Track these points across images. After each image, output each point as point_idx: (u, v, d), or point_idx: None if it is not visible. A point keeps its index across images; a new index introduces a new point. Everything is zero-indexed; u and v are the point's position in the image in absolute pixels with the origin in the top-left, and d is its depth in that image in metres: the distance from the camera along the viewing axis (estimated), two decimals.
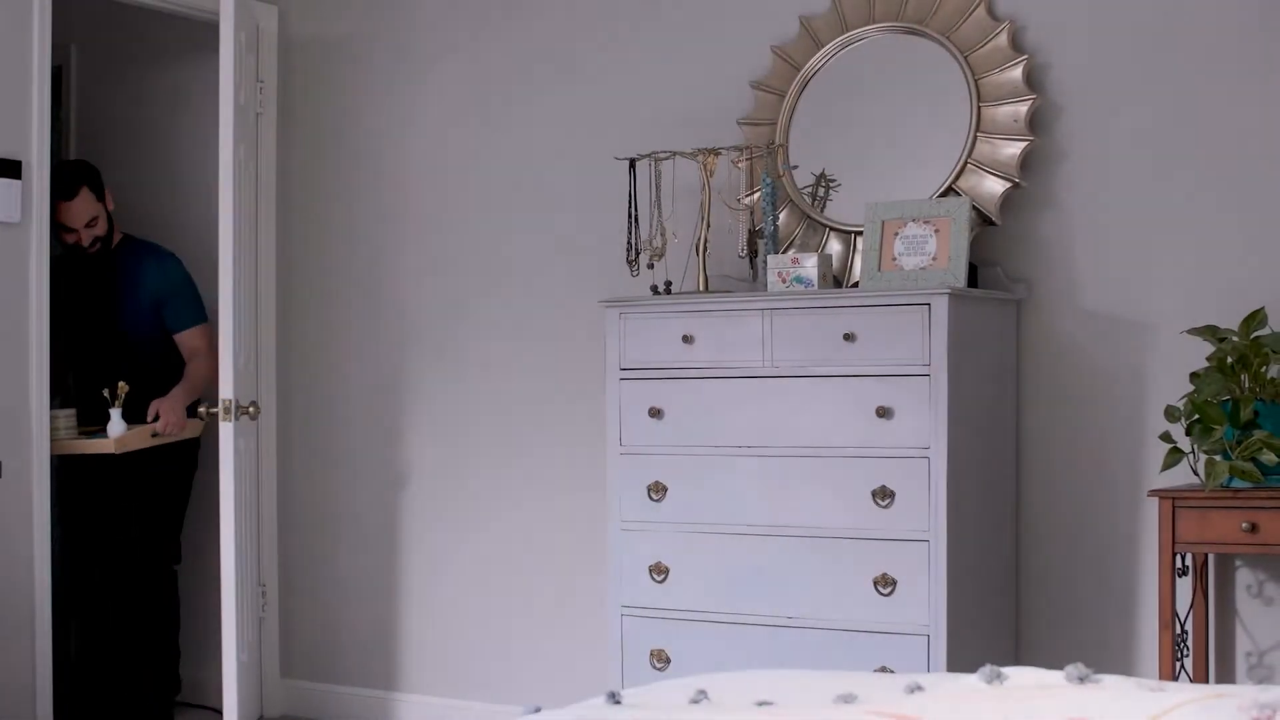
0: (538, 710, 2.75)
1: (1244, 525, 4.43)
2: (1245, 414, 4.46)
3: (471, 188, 6.22)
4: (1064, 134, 5.12)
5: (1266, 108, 4.87)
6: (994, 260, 5.15)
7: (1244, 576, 4.89)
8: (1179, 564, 4.69)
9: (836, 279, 5.19)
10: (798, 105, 5.43)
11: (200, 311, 6.29)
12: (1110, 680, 2.53)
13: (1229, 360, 4.52)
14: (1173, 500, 4.53)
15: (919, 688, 2.62)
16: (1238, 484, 4.46)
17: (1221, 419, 4.46)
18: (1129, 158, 5.04)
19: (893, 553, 4.71)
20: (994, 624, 5.01)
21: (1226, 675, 4.84)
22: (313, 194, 6.61)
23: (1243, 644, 4.89)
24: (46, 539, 5.70)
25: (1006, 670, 2.61)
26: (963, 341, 4.74)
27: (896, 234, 4.98)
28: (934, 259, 4.91)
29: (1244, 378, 4.52)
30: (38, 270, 5.66)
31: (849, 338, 4.76)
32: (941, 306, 4.65)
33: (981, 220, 5.07)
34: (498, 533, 6.16)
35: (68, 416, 5.96)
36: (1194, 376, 4.58)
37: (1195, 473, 4.60)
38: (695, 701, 2.71)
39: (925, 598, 4.66)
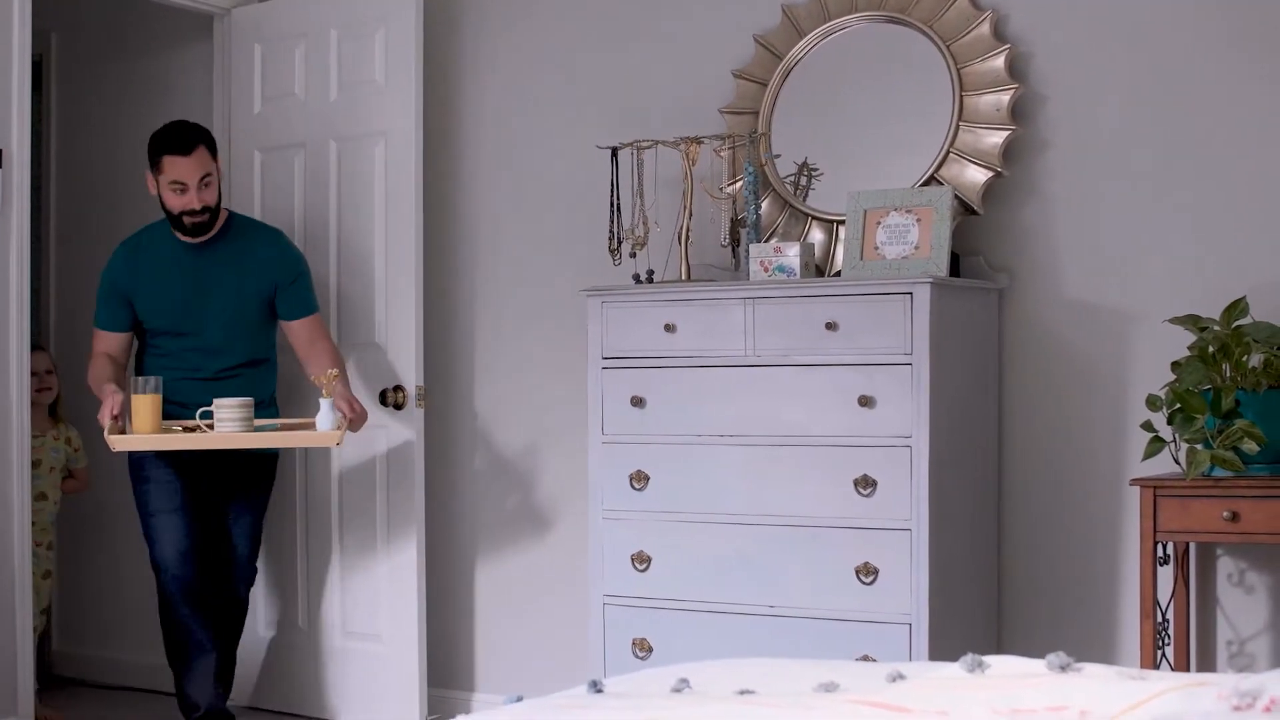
0: (520, 699, 2.75)
1: (1225, 514, 4.44)
2: (1227, 403, 4.47)
3: (458, 175, 6.20)
4: (1046, 123, 5.13)
5: (1248, 97, 4.87)
6: (976, 249, 5.15)
7: (1225, 565, 4.90)
8: (1160, 553, 4.70)
9: (819, 268, 5.19)
10: (780, 94, 5.43)
11: (314, 296, 5.76)
12: (1092, 669, 2.53)
13: (1210, 349, 4.53)
14: (1154, 489, 4.53)
15: (901, 676, 2.62)
16: (1219, 473, 4.47)
17: (1203, 408, 4.46)
18: (1111, 147, 5.05)
19: (875, 541, 4.71)
20: (976, 613, 5.02)
21: (1207, 664, 4.86)
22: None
23: (1224, 632, 4.90)
24: (27, 535, 5.67)
25: (988, 659, 2.61)
26: (944, 331, 4.74)
27: (879, 223, 4.98)
28: (916, 248, 4.91)
29: (1225, 367, 4.52)
30: (18, 258, 5.62)
31: (831, 327, 4.76)
32: (923, 295, 4.66)
33: (964, 209, 5.07)
34: (480, 521, 6.16)
35: (242, 406, 5.21)
36: (1176, 366, 4.59)
37: (1177, 461, 4.61)
38: (677, 690, 2.70)
39: (907, 586, 4.67)
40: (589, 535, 5.22)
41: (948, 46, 5.16)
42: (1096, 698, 2.28)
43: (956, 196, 5.02)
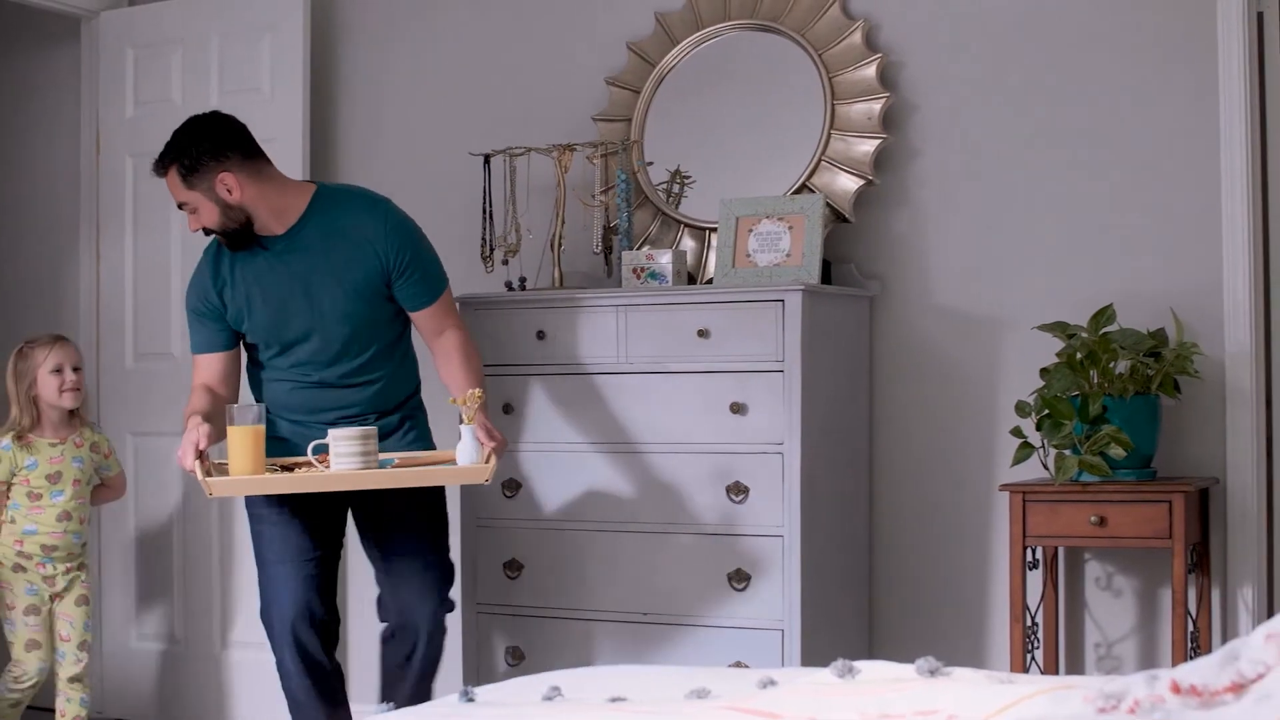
0: (392, 708, 2.73)
1: (1093, 519, 4.49)
2: (1094, 409, 4.51)
3: (334, 179, 6.15)
4: (917, 132, 5.16)
5: (1117, 106, 4.93)
6: (847, 257, 5.18)
7: (1093, 569, 4.95)
8: (1029, 557, 4.74)
9: (691, 275, 5.20)
10: (653, 102, 5.43)
11: (440, 274, 4.77)
12: (961, 673, 2.54)
13: (1078, 356, 4.58)
14: (1023, 494, 4.58)
15: (772, 682, 2.62)
16: (1087, 478, 4.52)
17: (1071, 414, 4.51)
18: (981, 156, 5.09)
19: (747, 548, 4.72)
20: (848, 618, 5.04)
21: (1076, 666, 4.90)
22: None
23: (1092, 635, 4.95)
24: None
25: (858, 664, 2.61)
26: (816, 338, 4.76)
27: (750, 230, 4.99)
28: (788, 256, 4.92)
29: (1093, 373, 4.57)
30: None
31: (703, 334, 4.77)
32: (795, 303, 4.67)
33: (835, 217, 5.10)
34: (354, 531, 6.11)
35: (362, 438, 4.33)
36: (1044, 372, 4.64)
37: (1045, 467, 4.65)
38: (549, 699, 2.69)
39: (779, 592, 4.68)
40: (461, 544, 5.19)
41: (819, 55, 5.18)
42: (965, 702, 2.29)
43: (828, 204, 5.04)
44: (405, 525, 4.68)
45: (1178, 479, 4.65)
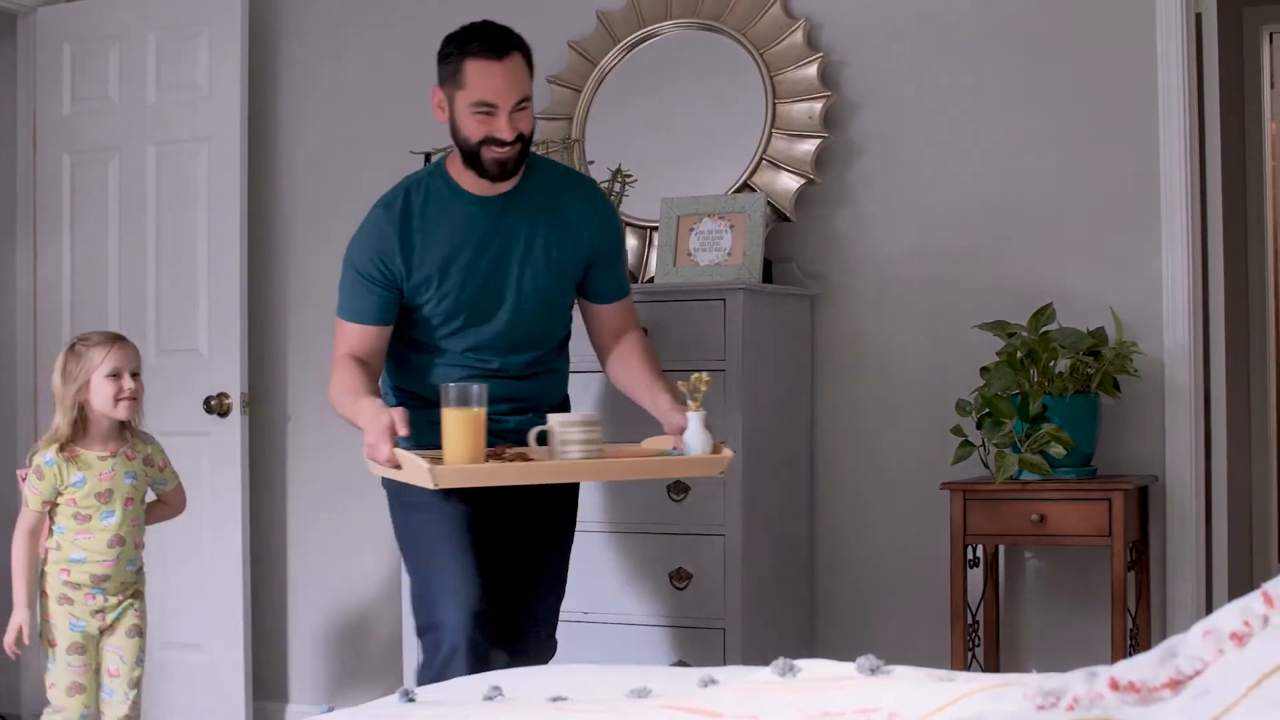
0: (331, 710, 2.72)
1: (1033, 517, 4.51)
2: (1034, 407, 4.53)
3: (278, 181, 6.12)
4: (859, 131, 5.17)
5: (1060, 106, 4.96)
6: (789, 256, 5.18)
7: (1033, 567, 4.97)
8: (970, 555, 4.76)
9: (632, 274, 5.19)
10: (594, 100, 5.43)
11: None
12: (901, 671, 2.55)
13: (1019, 355, 4.59)
14: (964, 493, 4.59)
15: (713, 681, 2.62)
16: (1027, 476, 4.53)
17: (1011, 413, 4.53)
18: (922, 155, 5.11)
19: (689, 547, 4.72)
20: (790, 616, 5.04)
21: (1016, 664, 4.92)
22: None
23: (1032, 633, 4.97)
24: None
25: (799, 663, 2.62)
26: (758, 337, 4.76)
27: (692, 230, 4.99)
28: (729, 255, 4.93)
29: (1033, 372, 4.59)
30: None
31: (645, 333, 4.76)
32: (736, 302, 4.67)
33: (776, 216, 5.10)
34: (296, 530, 6.09)
35: (587, 425, 3.88)
36: (985, 371, 4.65)
37: (986, 465, 4.67)
38: (489, 698, 2.69)
39: (721, 591, 4.68)
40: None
41: (761, 54, 5.19)
42: (905, 699, 2.29)
43: (769, 203, 5.05)
44: (553, 536, 4.30)
45: (1117, 477, 4.68)
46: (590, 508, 4.83)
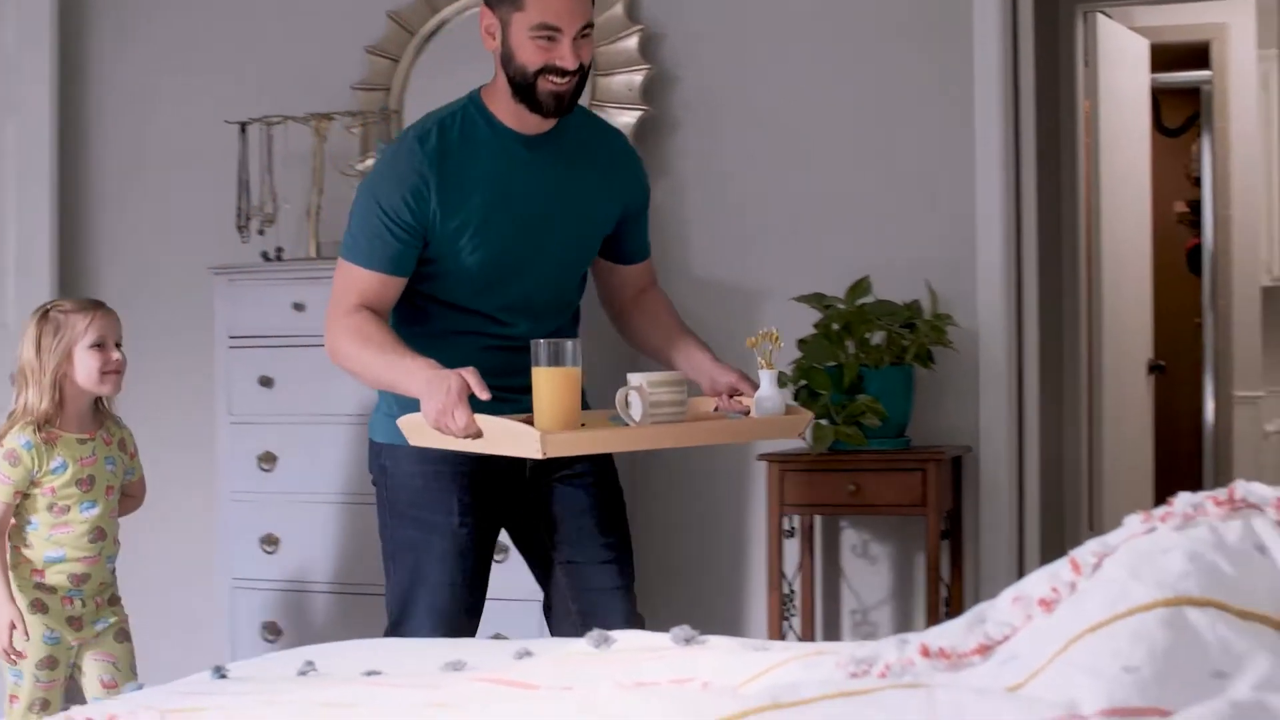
0: (140, 687, 2.67)
1: (849, 487, 4.55)
2: (850, 379, 4.57)
3: (87, 151, 6.00)
4: (678, 104, 5.18)
5: (874, 82, 4.99)
6: None
7: (849, 537, 5.02)
8: (786, 526, 4.79)
9: None
10: (413, 71, 5.38)
11: None
12: (716, 641, 2.56)
13: (835, 327, 4.63)
14: (780, 464, 4.62)
15: (527, 653, 2.62)
16: (843, 447, 4.57)
17: (827, 384, 4.56)
18: (741, 129, 5.12)
19: None
20: None
21: (833, 633, 4.97)
22: None
23: (848, 602, 5.02)
24: None
25: (614, 634, 2.62)
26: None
27: None
28: None
29: (849, 344, 4.63)
30: None
31: None
32: None
33: None
34: None
35: (676, 385, 3.51)
36: (802, 343, 4.68)
37: (802, 436, 4.70)
38: (303, 674, 2.66)
39: None
40: (216, 518, 5.11)
41: None
42: (719, 669, 2.30)
43: None
44: (606, 520, 3.91)
45: (932, 448, 4.73)
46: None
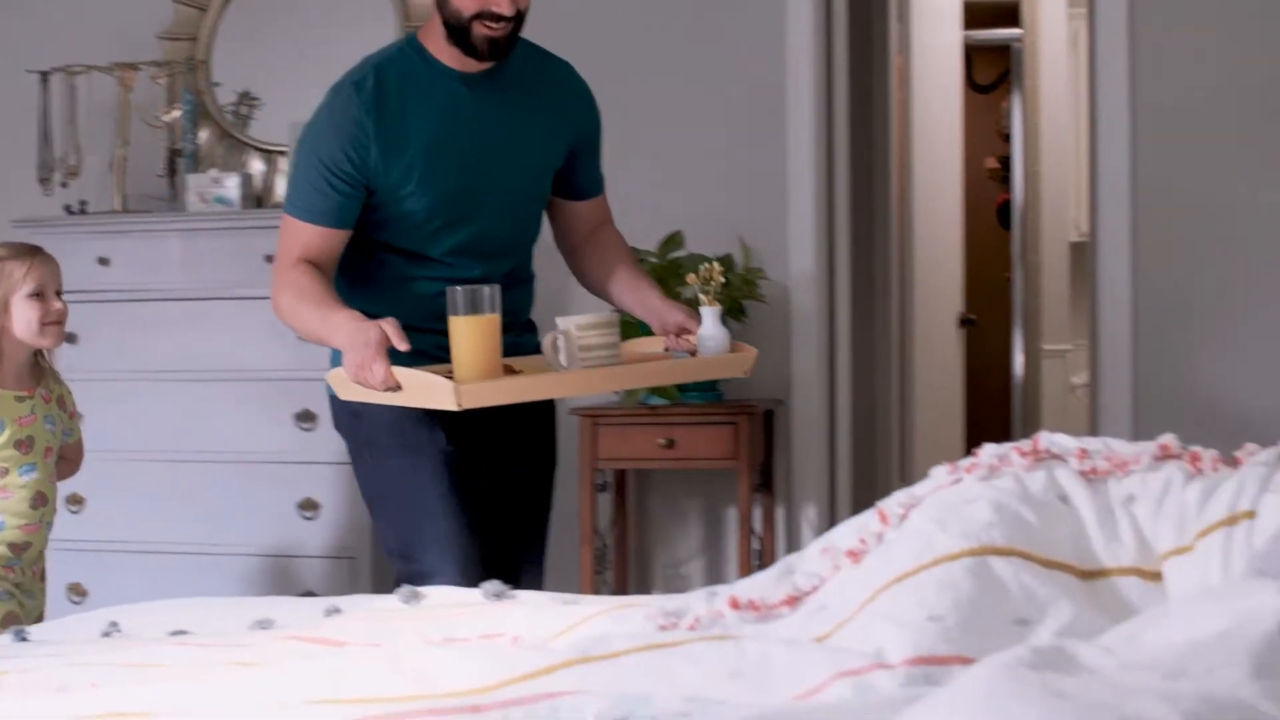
0: None
1: (661, 441, 4.56)
2: None
3: None
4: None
5: (686, 38, 5.00)
6: None
7: (662, 490, 5.03)
8: (599, 480, 4.79)
9: (259, 199, 5.09)
10: (221, 21, 5.29)
11: None
12: (526, 595, 2.56)
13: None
14: (593, 418, 4.62)
15: (337, 610, 2.60)
16: (655, 401, 4.58)
17: (635, 335, 4.55)
18: None
19: (317, 476, 4.66)
20: None
21: (646, 587, 4.99)
22: None
23: (661, 556, 5.04)
24: None
25: (424, 590, 2.61)
26: None
27: None
28: None
29: None
30: None
31: (271, 259, 4.66)
32: None
33: None
34: None
35: (607, 326, 3.33)
36: None
37: (615, 391, 4.70)
38: (107, 635, 2.62)
39: (350, 521, 4.63)
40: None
41: None
42: (529, 624, 2.30)
43: None
44: (539, 463, 3.70)
45: (743, 401, 4.75)
46: (219, 438, 4.74)
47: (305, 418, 4.65)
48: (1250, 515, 2.04)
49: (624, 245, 3.74)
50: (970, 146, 7.89)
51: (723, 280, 3.41)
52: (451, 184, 3.43)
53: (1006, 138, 8.48)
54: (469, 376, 3.12)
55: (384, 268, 3.50)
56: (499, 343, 3.18)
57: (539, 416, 3.61)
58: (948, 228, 7.13)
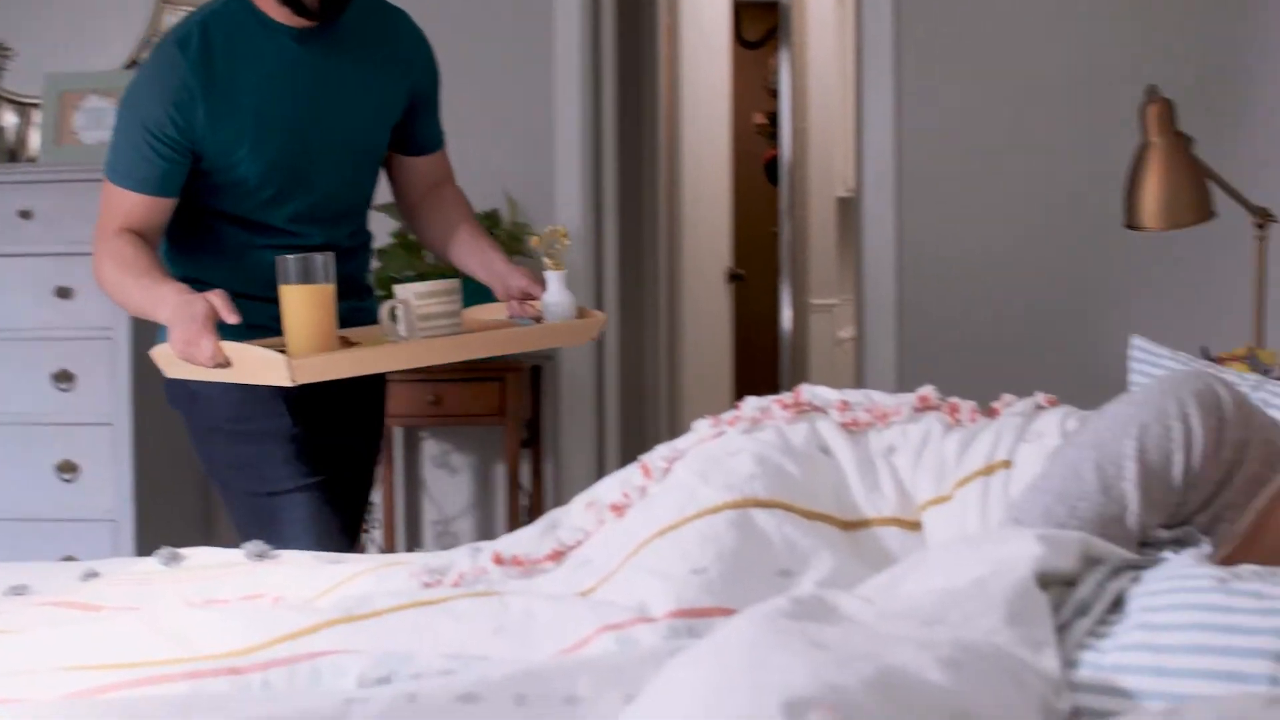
0: None
1: (429, 398, 4.53)
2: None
3: None
4: None
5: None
6: None
7: (430, 448, 5.01)
8: None
9: (12, 153, 4.96)
10: None
11: None
12: (290, 556, 2.53)
13: (411, 236, 4.59)
14: None
15: (94, 574, 2.53)
16: None
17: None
18: None
19: (75, 437, 4.55)
20: (187, 507, 4.94)
21: (414, 544, 4.96)
22: None
23: (429, 513, 5.02)
24: None
25: (185, 551, 2.56)
26: None
27: (76, 107, 4.79)
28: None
29: (427, 253, 4.60)
30: None
31: (26, 215, 4.55)
32: None
33: None
34: None
35: (450, 292, 3.16)
36: (381, 253, 4.64)
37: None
38: None
39: (111, 483, 4.54)
40: None
41: None
42: (292, 584, 2.27)
43: None
44: (370, 435, 3.54)
45: (510, 358, 4.73)
46: None
47: (63, 378, 4.54)
48: (1007, 465, 2.08)
49: (465, 204, 3.57)
50: (739, 102, 7.94)
51: (568, 243, 3.25)
52: (286, 147, 3.21)
53: (774, 94, 8.54)
54: (302, 350, 2.95)
55: (220, 236, 3.29)
56: (334, 314, 3.00)
57: (371, 387, 3.46)
58: (716, 183, 7.17)
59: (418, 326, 3.06)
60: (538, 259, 3.35)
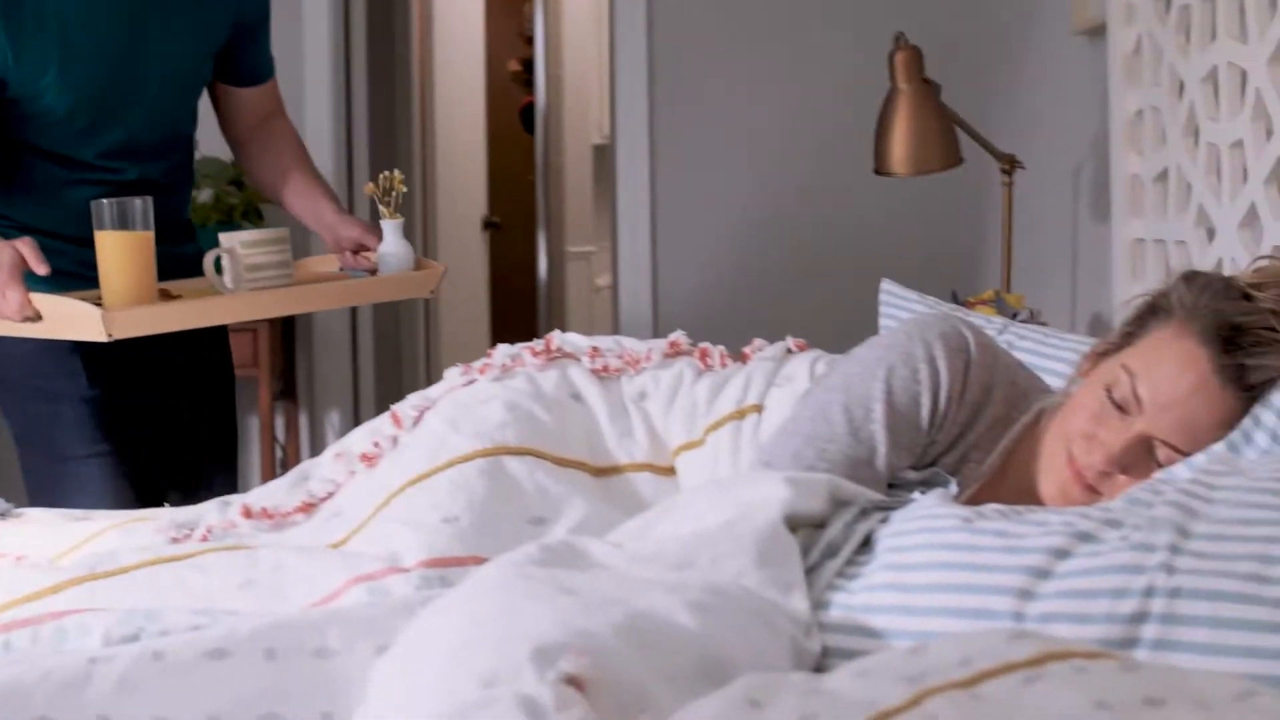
0: None
1: None
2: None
3: None
4: None
5: None
6: None
7: None
8: None
9: None
10: None
11: None
12: (35, 514, 2.46)
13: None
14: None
15: None
16: None
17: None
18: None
19: None
20: None
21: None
22: None
23: None
24: None
25: None
26: None
27: None
28: None
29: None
30: None
31: None
32: None
33: None
34: None
35: (278, 241, 2.92)
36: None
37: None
38: None
39: None
40: None
41: None
42: (35, 542, 2.22)
43: None
44: (214, 387, 3.27)
45: None
46: None
47: None
48: (757, 409, 2.10)
49: (297, 143, 3.31)
50: (493, 49, 7.91)
51: (404, 189, 3.04)
52: (97, 77, 2.93)
53: (530, 40, 8.50)
54: (120, 302, 2.72)
55: (34, 171, 3.01)
56: (153, 263, 2.78)
57: (201, 341, 3.17)
58: (471, 131, 7.14)
59: (245, 278, 2.85)
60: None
